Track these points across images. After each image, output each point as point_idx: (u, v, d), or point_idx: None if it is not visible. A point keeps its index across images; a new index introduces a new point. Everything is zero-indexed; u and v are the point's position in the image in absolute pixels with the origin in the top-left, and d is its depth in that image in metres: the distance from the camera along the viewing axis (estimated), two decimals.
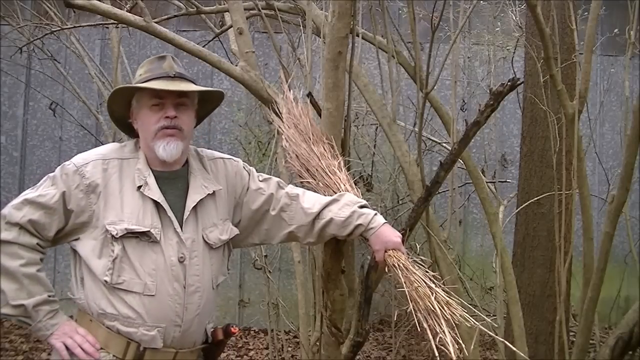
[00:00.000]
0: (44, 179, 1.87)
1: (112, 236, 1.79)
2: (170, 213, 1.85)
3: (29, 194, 1.83)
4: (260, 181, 2.06)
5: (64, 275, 5.72)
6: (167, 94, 1.86)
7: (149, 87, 1.85)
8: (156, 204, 1.85)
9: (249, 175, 2.06)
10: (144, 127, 1.89)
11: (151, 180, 1.87)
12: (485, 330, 1.76)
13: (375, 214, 1.97)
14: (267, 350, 5.03)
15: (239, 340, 5.52)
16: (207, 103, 2.03)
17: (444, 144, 4.80)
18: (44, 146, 6.12)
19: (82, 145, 5.88)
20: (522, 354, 2.62)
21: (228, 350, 5.20)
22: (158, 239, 1.82)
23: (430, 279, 1.81)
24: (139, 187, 1.85)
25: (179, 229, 1.85)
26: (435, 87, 2.87)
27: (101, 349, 1.81)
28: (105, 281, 1.79)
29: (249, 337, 5.66)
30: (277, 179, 2.10)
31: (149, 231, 1.81)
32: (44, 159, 6.09)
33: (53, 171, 1.88)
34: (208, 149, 2.10)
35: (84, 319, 1.84)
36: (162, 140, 1.85)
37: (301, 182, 2.24)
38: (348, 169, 2.25)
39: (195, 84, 1.95)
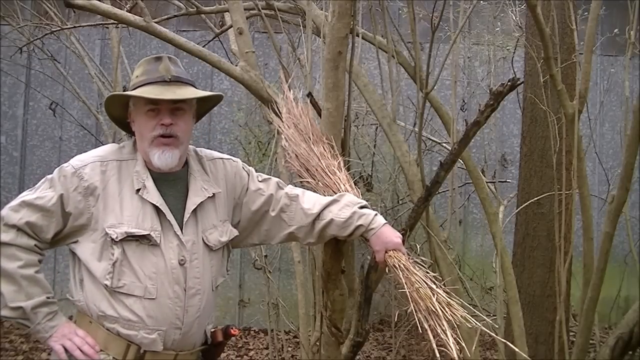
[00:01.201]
0: (42, 180, 1.85)
1: (112, 239, 1.79)
2: (170, 216, 1.84)
3: (26, 195, 1.81)
4: (260, 182, 2.05)
5: (63, 276, 5.71)
6: (163, 100, 1.84)
7: (143, 96, 1.84)
8: (156, 207, 1.84)
9: (249, 175, 2.05)
10: (140, 132, 1.88)
11: (149, 183, 1.86)
12: (486, 330, 1.76)
13: (376, 215, 1.97)
14: (267, 350, 5.03)
15: (239, 340, 5.52)
16: (206, 101, 2.01)
17: (444, 144, 4.79)
18: (44, 146, 6.12)
19: (82, 145, 5.88)
20: (523, 354, 2.62)
21: (228, 350, 5.19)
22: (158, 242, 1.81)
23: (431, 280, 1.81)
24: (138, 190, 1.84)
25: (179, 232, 1.84)
26: (435, 87, 2.87)
27: (100, 350, 1.80)
28: (106, 285, 1.78)
29: (249, 337, 5.66)
30: (277, 179, 2.10)
31: (149, 234, 1.80)
32: (44, 159, 6.09)
33: (53, 171, 1.86)
34: (208, 149, 2.09)
35: (83, 320, 1.84)
36: (158, 149, 1.84)
37: (301, 182, 2.24)
38: (348, 169, 2.24)
39: (194, 86, 1.93)
